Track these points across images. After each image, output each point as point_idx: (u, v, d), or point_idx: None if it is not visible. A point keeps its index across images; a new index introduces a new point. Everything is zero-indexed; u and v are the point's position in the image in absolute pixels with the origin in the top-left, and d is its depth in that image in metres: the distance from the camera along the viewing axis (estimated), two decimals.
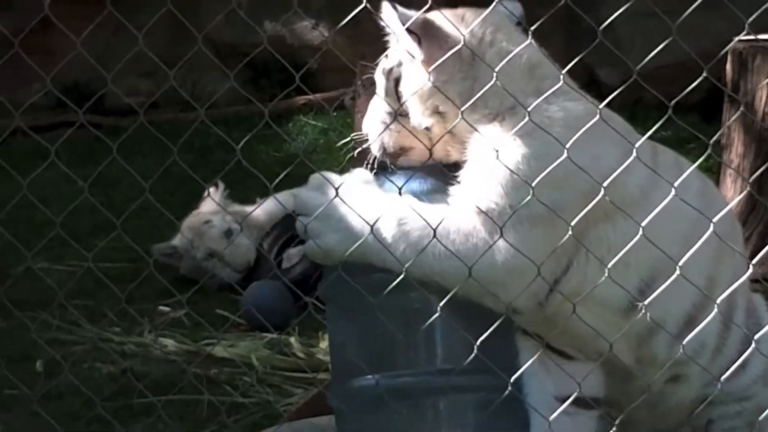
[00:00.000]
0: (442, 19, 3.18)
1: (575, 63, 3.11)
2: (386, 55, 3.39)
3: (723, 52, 6.11)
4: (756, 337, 3.12)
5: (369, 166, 3.49)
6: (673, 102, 2.91)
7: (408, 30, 3.14)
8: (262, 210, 5.89)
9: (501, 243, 3.15)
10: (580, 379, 3.07)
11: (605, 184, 2.97)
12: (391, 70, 3.19)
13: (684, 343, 3.15)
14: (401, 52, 3.24)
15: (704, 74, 3.06)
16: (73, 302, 5.58)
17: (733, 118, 6.19)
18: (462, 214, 3.06)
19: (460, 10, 3.22)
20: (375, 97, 3.24)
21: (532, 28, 2.98)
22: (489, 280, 3.01)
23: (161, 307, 5.78)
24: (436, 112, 3.13)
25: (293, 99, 8.22)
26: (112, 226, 3.54)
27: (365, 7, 3.17)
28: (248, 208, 5.87)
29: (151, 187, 3.50)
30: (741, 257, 3.26)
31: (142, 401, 4.93)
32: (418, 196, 3.42)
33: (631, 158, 3.03)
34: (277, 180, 3.34)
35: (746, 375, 3.16)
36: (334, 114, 8.01)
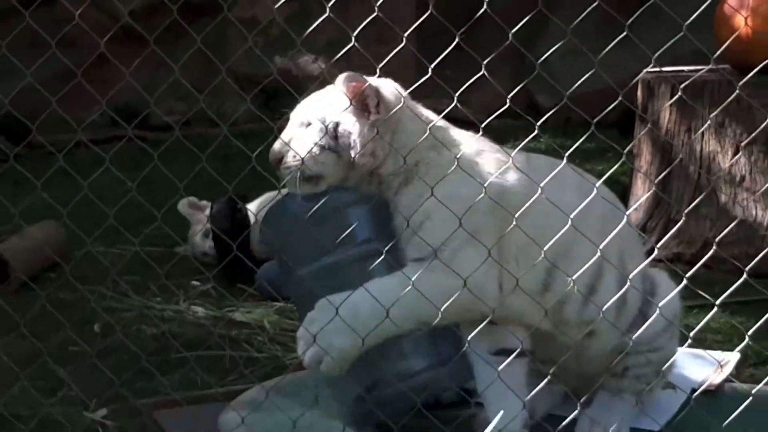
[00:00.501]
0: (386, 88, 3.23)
1: (519, 90, 3.13)
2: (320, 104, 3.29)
3: (634, 81, 6.19)
4: (661, 304, 3.12)
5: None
6: (595, 120, 2.96)
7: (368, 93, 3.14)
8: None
9: (453, 275, 3.01)
10: (507, 336, 3.09)
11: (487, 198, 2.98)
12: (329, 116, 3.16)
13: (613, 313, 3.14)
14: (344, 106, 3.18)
15: (620, 98, 3.10)
16: (123, 278, 5.59)
17: (642, 132, 6.19)
18: (420, 272, 3.00)
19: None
20: (308, 129, 3.21)
21: (485, 61, 2.97)
22: (467, 302, 2.98)
23: (193, 282, 5.79)
24: (371, 155, 3.11)
25: None
26: (154, 218, 3.63)
27: (353, 45, 3.22)
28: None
29: (184, 188, 3.56)
30: (630, 239, 3.27)
31: (178, 356, 4.96)
32: (348, 205, 3.23)
33: (505, 166, 3.05)
34: (283, 183, 3.37)
35: (649, 329, 3.17)
36: None
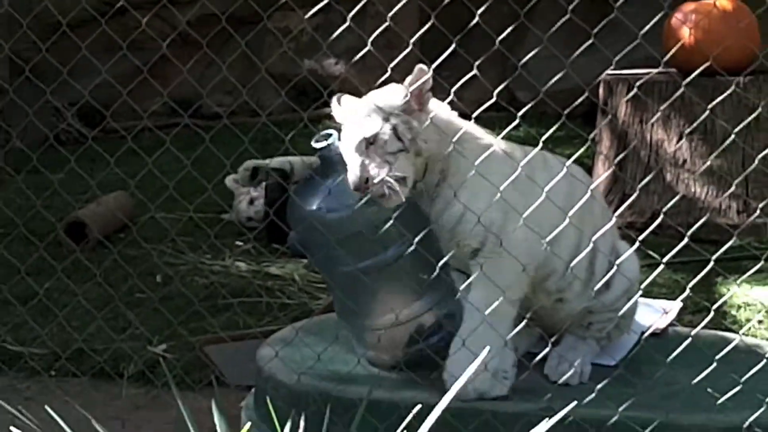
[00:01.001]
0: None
1: (503, 87, 3.10)
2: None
3: (597, 81, 6.16)
4: (618, 261, 3.11)
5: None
6: (566, 112, 2.94)
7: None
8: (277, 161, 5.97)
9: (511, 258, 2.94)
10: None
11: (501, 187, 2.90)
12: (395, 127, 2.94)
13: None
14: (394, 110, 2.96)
15: (586, 95, 3.09)
16: (179, 239, 5.59)
17: (603, 123, 6.17)
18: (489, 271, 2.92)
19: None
20: (374, 145, 2.90)
21: (476, 63, 2.95)
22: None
23: (237, 242, 5.79)
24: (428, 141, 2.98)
25: (322, 110, 8.23)
26: (205, 190, 3.61)
27: (369, 50, 3.20)
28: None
29: (230, 165, 3.53)
30: (600, 216, 3.23)
31: (224, 302, 4.98)
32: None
33: (517, 173, 2.93)
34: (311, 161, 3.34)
35: (611, 293, 3.14)
36: None
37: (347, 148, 2.98)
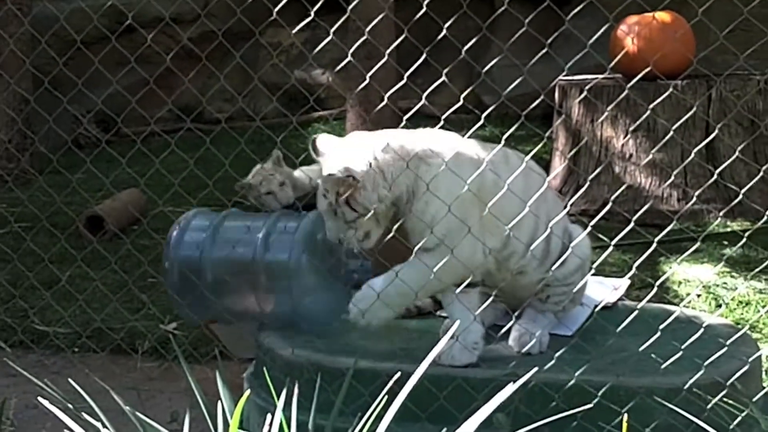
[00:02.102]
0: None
1: (469, 92, 3.11)
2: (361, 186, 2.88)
3: (553, 85, 6.15)
4: (572, 245, 3.12)
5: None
6: (524, 113, 2.94)
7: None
8: (299, 173, 5.88)
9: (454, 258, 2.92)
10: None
11: (468, 182, 2.89)
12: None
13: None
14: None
15: (542, 98, 3.10)
16: None
17: (558, 122, 6.18)
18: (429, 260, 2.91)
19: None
20: (340, 214, 2.89)
21: (445, 70, 2.94)
22: (463, 273, 2.92)
23: None
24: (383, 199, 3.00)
25: (310, 114, 8.21)
26: (207, 186, 3.57)
27: (350, 61, 3.20)
28: (294, 172, 5.84)
29: (229, 164, 3.52)
30: (553, 203, 3.24)
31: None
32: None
33: (483, 167, 2.90)
34: (300, 159, 3.34)
35: (565, 268, 3.15)
36: (334, 122, 8.00)
37: (321, 208, 2.96)
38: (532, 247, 3.04)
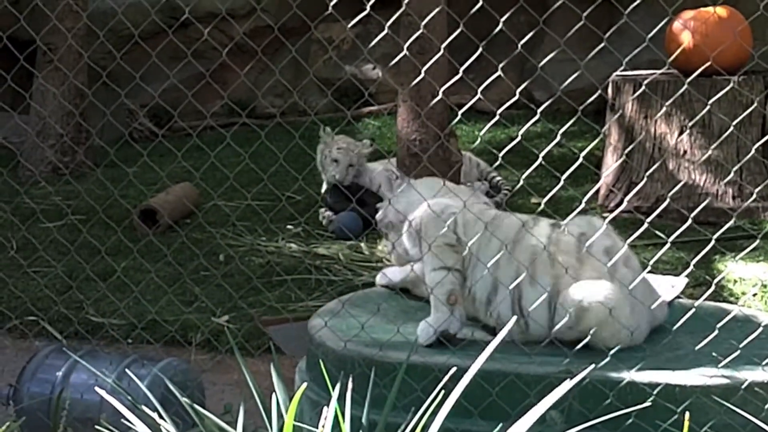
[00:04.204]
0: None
1: (523, 87, 3.08)
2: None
3: (607, 81, 6.10)
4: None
5: None
6: (580, 109, 2.92)
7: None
8: (373, 165, 5.96)
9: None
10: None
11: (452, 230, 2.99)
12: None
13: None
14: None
15: (598, 93, 3.06)
16: (239, 222, 5.61)
17: (613, 118, 6.13)
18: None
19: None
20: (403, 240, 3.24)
21: (501, 65, 2.92)
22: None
23: (289, 226, 5.79)
24: None
25: (361, 109, 8.23)
26: (261, 180, 3.58)
27: (405, 55, 3.19)
28: (369, 164, 6.00)
29: (283, 158, 3.53)
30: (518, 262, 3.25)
31: (278, 279, 4.99)
32: None
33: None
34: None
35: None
36: (387, 116, 8.00)
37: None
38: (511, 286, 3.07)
